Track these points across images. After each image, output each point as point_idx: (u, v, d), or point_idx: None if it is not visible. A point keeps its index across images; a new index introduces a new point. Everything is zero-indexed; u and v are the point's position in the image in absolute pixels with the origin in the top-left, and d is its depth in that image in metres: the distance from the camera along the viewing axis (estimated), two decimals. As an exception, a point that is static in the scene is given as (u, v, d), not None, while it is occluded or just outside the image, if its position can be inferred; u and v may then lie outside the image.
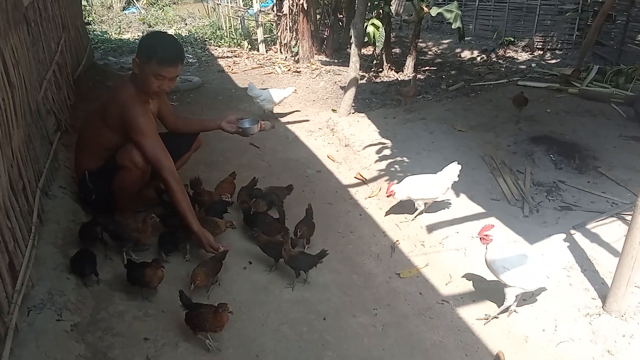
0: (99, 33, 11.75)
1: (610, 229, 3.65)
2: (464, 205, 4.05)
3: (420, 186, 3.79)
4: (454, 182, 3.84)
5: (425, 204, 3.88)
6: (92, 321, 2.52)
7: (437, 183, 3.79)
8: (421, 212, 3.90)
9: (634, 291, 2.93)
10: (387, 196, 3.87)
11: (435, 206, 4.00)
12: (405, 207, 4.01)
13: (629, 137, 5.24)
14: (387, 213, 4.03)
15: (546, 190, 4.20)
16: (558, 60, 9.67)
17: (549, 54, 10.16)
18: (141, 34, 12.06)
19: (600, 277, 3.15)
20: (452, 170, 3.81)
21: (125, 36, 11.97)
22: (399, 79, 8.46)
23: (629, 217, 2.77)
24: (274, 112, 6.25)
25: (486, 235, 2.86)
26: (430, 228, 3.80)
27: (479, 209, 3.96)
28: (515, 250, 2.91)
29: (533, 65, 9.30)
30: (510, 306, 2.89)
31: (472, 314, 2.99)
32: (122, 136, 3.01)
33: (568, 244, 2.79)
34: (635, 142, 5.12)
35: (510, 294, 2.83)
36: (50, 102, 3.99)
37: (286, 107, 6.74)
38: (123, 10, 15.38)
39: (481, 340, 2.80)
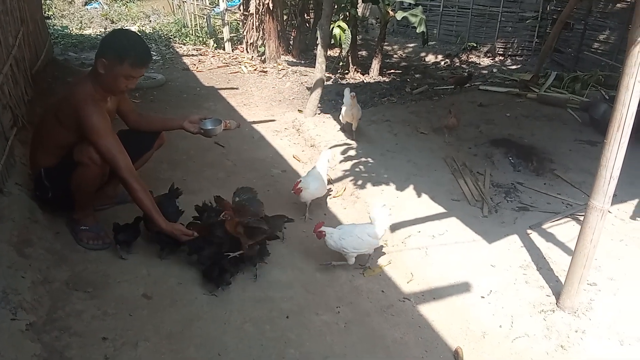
0: (59, 28, 11.45)
1: (565, 229, 3.78)
2: (425, 205, 4.12)
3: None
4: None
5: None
6: (48, 320, 2.46)
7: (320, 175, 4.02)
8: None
9: (586, 288, 3.06)
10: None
11: (399, 206, 4.06)
12: (367, 205, 4.05)
13: (584, 141, 5.44)
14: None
15: (505, 191, 4.32)
16: (518, 66, 9.96)
17: (509, 60, 10.45)
18: (103, 30, 11.81)
19: (554, 275, 3.26)
20: (326, 156, 4.15)
21: (87, 32, 11.70)
22: (365, 81, 8.54)
23: (582, 218, 2.87)
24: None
25: (320, 232, 3.21)
26: (393, 227, 3.85)
27: (440, 209, 4.04)
28: (347, 229, 3.30)
29: (494, 70, 9.55)
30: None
31: (432, 311, 3.05)
32: (77, 134, 2.94)
33: (390, 213, 3.44)
34: (590, 146, 5.31)
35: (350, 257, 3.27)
36: (7, 96, 3.86)
37: (252, 107, 6.73)
38: (85, 5, 15.04)
39: (440, 337, 2.87)
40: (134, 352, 2.41)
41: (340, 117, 5.45)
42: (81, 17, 13.18)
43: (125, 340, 2.47)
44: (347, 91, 5.33)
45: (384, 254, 3.60)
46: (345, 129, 5.49)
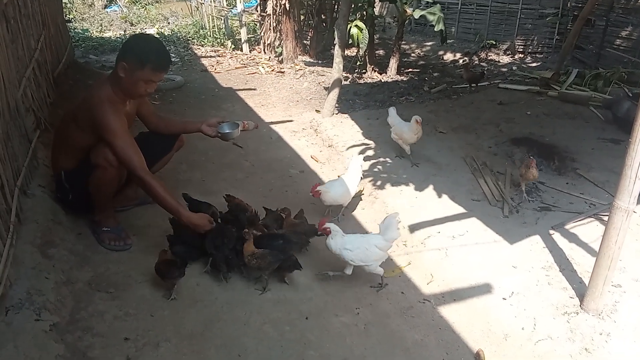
0: (80, 31, 11.63)
1: (588, 229, 3.71)
2: (445, 205, 4.08)
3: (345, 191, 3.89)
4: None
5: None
6: (71, 321, 2.49)
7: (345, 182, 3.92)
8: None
9: (610, 290, 2.99)
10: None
11: (418, 206, 4.04)
12: (385, 205, 4.03)
13: (607, 140, 5.34)
14: None
15: (526, 191, 4.25)
16: (538, 63, 9.82)
17: (529, 57, 10.31)
18: (123, 32, 11.96)
19: (578, 277, 3.20)
20: (358, 162, 4.03)
21: (107, 34, 11.86)
22: (382, 81, 8.51)
23: (606, 218, 2.82)
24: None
25: (325, 229, 3.06)
26: (413, 228, 3.82)
27: (460, 209, 4.00)
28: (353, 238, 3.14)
29: (514, 68, 9.43)
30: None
31: (453, 313, 3.02)
32: (94, 136, 2.97)
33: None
34: (613, 145, 5.21)
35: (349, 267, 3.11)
36: (30, 100, 3.93)
37: (269, 107, 6.75)
38: (105, 8, 15.24)
39: (462, 339, 2.83)
40: (156, 353, 2.43)
41: (398, 141, 4.80)
42: (101, 20, 13.36)
43: (146, 340, 2.49)
44: (392, 110, 4.89)
45: (403, 254, 3.57)
46: (403, 154, 4.89)
